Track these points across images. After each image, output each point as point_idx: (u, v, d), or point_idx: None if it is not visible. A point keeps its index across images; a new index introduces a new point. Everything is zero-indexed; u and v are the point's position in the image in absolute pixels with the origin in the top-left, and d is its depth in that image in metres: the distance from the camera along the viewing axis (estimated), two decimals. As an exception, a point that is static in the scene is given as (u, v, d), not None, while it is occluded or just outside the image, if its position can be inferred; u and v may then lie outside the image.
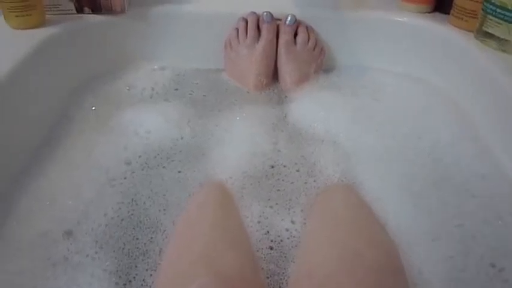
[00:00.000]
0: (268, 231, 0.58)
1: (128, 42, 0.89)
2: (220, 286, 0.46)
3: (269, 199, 0.62)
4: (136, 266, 0.53)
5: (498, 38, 0.72)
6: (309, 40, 0.87)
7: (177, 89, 0.86)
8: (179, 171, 0.66)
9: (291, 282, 0.52)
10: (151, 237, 0.56)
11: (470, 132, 0.73)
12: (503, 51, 0.72)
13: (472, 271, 0.53)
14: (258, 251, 0.55)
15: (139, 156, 0.68)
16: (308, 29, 0.87)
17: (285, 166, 0.68)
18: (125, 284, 0.51)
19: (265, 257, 0.54)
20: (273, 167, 0.68)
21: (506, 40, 0.71)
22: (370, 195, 0.62)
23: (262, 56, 0.85)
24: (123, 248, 0.55)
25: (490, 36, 0.73)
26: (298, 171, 0.68)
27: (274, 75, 0.88)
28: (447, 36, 0.81)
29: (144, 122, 0.74)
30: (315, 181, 0.66)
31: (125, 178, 0.64)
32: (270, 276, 0.53)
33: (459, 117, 0.77)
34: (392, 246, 0.54)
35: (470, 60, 0.76)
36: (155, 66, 0.91)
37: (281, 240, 0.57)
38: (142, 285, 0.51)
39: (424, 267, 0.53)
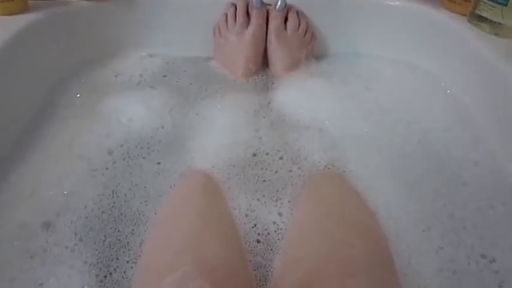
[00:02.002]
0: (255, 225, 0.56)
1: (115, 28, 0.86)
2: (204, 275, 0.44)
3: (256, 191, 0.61)
4: (117, 258, 0.52)
5: (491, 21, 0.70)
6: (299, 26, 0.84)
7: (165, 76, 0.84)
8: (158, 163, 0.64)
9: (276, 273, 0.51)
10: (133, 229, 0.55)
11: (462, 118, 0.72)
12: (496, 34, 0.70)
13: (462, 262, 0.51)
14: (245, 243, 0.54)
15: (121, 146, 0.66)
16: (299, 14, 0.85)
17: (267, 154, 0.67)
18: (105, 276, 0.50)
19: (252, 250, 0.53)
20: (255, 155, 0.66)
21: (500, 23, 0.69)
22: (359, 184, 0.61)
23: (252, 43, 0.83)
24: (104, 240, 0.54)
25: (483, 19, 0.71)
26: (281, 158, 0.66)
27: (263, 61, 0.86)
28: (440, 20, 0.79)
29: (127, 110, 0.72)
30: (299, 168, 0.64)
31: (107, 169, 0.62)
32: (257, 268, 0.51)
33: (451, 103, 0.75)
34: (382, 235, 0.53)
35: (463, 44, 0.74)
36: (144, 54, 0.89)
37: (268, 233, 0.55)
38: (123, 277, 0.50)
39: (414, 258, 0.52)
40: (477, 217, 0.56)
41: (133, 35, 0.88)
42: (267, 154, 0.67)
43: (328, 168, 0.64)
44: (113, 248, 0.53)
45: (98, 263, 0.51)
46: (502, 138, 0.64)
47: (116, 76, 0.83)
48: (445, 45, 0.79)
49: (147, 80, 0.82)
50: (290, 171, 0.64)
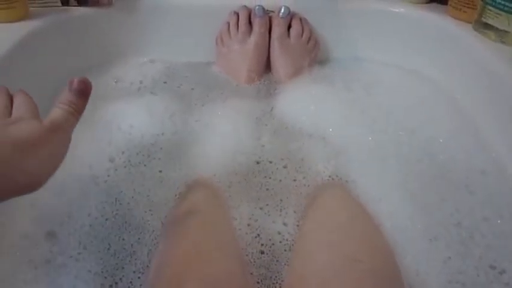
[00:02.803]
0: (258, 235, 0.55)
1: (115, 35, 0.86)
2: None
3: (258, 199, 0.60)
4: (123, 268, 0.51)
5: (497, 29, 0.70)
6: (303, 33, 0.84)
7: (165, 82, 0.83)
8: (160, 171, 0.64)
9: (284, 286, 0.50)
10: (139, 238, 0.54)
11: (468, 127, 0.71)
12: (503, 42, 0.70)
13: (471, 273, 0.51)
14: (247, 255, 0.53)
15: (123, 153, 0.65)
16: (302, 21, 0.85)
17: (270, 162, 0.66)
18: (111, 286, 0.49)
19: (255, 262, 0.52)
20: (258, 163, 0.66)
21: (506, 31, 0.69)
22: (364, 194, 0.60)
23: (254, 52, 0.83)
24: (109, 249, 0.53)
25: (489, 27, 0.71)
26: (285, 167, 0.65)
27: (266, 68, 0.86)
28: (445, 27, 0.79)
29: (127, 116, 0.71)
30: (304, 178, 0.63)
31: (108, 176, 0.62)
32: (261, 280, 0.51)
33: (456, 111, 0.75)
34: (389, 248, 0.52)
35: (468, 52, 0.74)
36: (144, 59, 0.88)
37: (273, 244, 0.54)
38: (129, 287, 0.49)
39: (421, 269, 0.52)
40: (485, 226, 0.56)
41: (133, 40, 0.87)
42: (271, 162, 0.66)
43: (333, 179, 0.63)
44: (118, 257, 0.52)
45: (103, 272, 0.50)
46: (508, 146, 0.64)
47: (116, 82, 0.82)
48: (450, 53, 0.79)
49: (147, 86, 0.82)
50: (294, 180, 0.63)
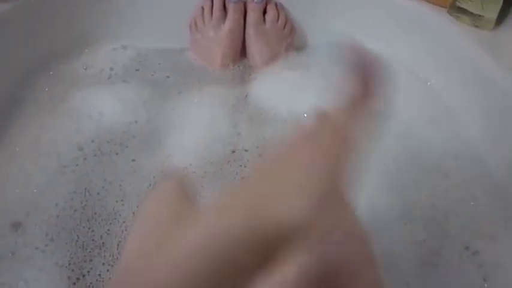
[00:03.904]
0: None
1: (85, 19, 0.82)
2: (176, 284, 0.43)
3: (232, 188, 0.59)
4: (91, 260, 0.50)
5: (471, 13, 0.70)
6: (278, 18, 0.82)
7: (138, 70, 0.81)
8: (133, 160, 0.62)
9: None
10: (108, 229, 0.53)
11: (442, 112, 0.72)
12: (477, 26, 0.70)
13: (445, 254, 0.51)
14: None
15: (92, 141, 0.64)
16: (277, 6, 0.83)
17: (246, 150, 0.65)
18: (78, 279, 0.48)
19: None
20: (233, 151, 0.65)
21: (480, 16, 0.69)
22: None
23: (229, 38, 0.81)
24: (77, 241, 0.51)
25: (463, 11, 0.71)
26: (260, 155, 0.64)
27: (241, 54, 0.84)
28: (420, 12, 0.79)
29: (98, 104, 0.69)
30: (279, 165, 0.62)
31: (77, 165, 0.60)
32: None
33: (431, 96, 0.75)
34: (364, 233, 0.52)
35: (443, 37, 0.74)
36: (116, 45, 0.85)
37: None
38: (97, 280, 0.48)
39: (396, 252, 0.52)
40: (459, 208, 0.56)
41: (104, 25, 0.84)
42: (246, 151, 0.65)
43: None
44: (86, 249, 0.51)
45: (70, 264, 0.49)
46: (482, 130, 0.65)
47: (85, 69, 0.79)
48: (425, 38, 0.78)
49: (118, 73, 0.79)
50: (269, 168, 0.62)
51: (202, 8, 0.82)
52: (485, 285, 0.49)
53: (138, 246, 0.48)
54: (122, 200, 0.56)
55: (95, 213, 0.54)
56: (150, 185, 0.59)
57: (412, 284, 0.49)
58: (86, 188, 0.57)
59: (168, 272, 0.44)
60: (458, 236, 0.53)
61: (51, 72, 0.77)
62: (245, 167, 0.63)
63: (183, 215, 0.54)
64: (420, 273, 0.50)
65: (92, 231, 0.52)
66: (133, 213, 0.55)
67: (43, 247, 0.50)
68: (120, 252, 0.50)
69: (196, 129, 0.68)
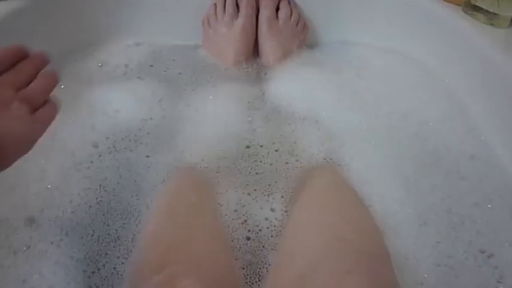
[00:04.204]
0: (245, 220, 0.54)
1: (100, 16, 0.83)
2: (193, 274, 0.43)
3: (247, 184, 0.59)
4: (106, 254, 0.50)
5: (486, 11, 0.69)
6: (291, 15, 0.82)
7: (152, 66, 0.81)
8: (147, 156, 0.62)
9: (271, 270, 0.49)
10: (123, 223, 0.53)
11: (458, 110, 0.71)
12: (492, 24, 0.69)
13: (460, 257, 0.51)
14: (233, 241, 0.52)
15: (107, 138, 0.64)
16: (290, 3, 0.83)
17: (261, 146, 0.65)
18: (93, 272, 0.48)
19: (241, 247, 0.51)
20: (248, 147, 0.64)
21: (495, 13, 0.68)
22: (355, 177, 0.60)
23: (241, 35, 0.80)
24: (92, 235, 0.52)
25: (478, 9, 0.70)
26: (277, 151, 0.64)
27: (254, 51, 0.84)
28: (434, 9, 0.78)
29: (113, 101, 0.69)
30: (297, 160, 0.62)
31: (92, 162, 0.60)
32: (246, 266, 0.50)
33: (447, 95, 0.74)
34: (378, 231, 0.52)
35: (457, 34, 0.73)
36: (130, 42, 0.86)
37: (259, 230, 0.53)
38: (112, 273, 0.48)
39: (411, 253, 0.51)
40: (475, 211, 0.56)
41: (118, 22, 0.85)
42: (261, 146, 0.65)
43: (327, 162, 0.62)
44: (101, 243, 0.51)
45: (85, 258, 0.49)
46: (497, 129, 0.64)
47: (100, 66, 0.79)
48: (440, 36, 0.77)
49: (133, 70, 0.79)
50: (287, 163, 0.62)
51: (215, 5, 0.82)
52: (500, 287, 0.48)
53: (154, 237, 0.49)
54: (136, 195, 0.56)
55: (110, 207, 0.54)
56: (164, 180, 0.59)
57: (425, 284, 0.49)
58: (100, 185, 0.57)
59: (184, 262, 0.45)
60: (473, 239, 0.52)
61: (66, 70, 0.77)
62: (260, 162, 0.62)
63: (199, 207, 0.55)
64: (434, 274, 0.49)
65: (108, 225, 0.53)
66: (147, 207, 0.55)
67: (58, 241, 0.50)
68: (135, 246, 0.51)
69: (211, 125, 0.68)
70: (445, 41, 0.77)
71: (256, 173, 0.61)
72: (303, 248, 0.48)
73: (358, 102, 0.72)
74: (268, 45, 0.82)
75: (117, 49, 0.83)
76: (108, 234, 0.52)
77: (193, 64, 0.82)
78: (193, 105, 0.71)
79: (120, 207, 0.55)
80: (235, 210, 0.55)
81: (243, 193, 0.58)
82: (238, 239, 0.52)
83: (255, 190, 0.58)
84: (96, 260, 0.49)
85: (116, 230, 0.52)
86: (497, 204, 0.56)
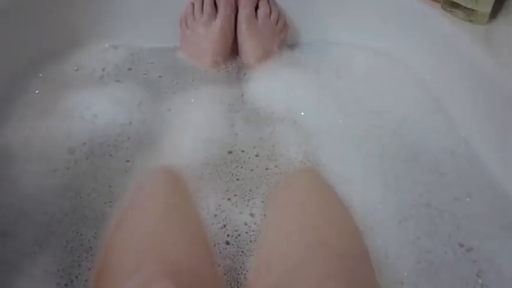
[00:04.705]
0: (225, 225, 0.54)
1: (76, 19, 0.81)
2: (169, 276, 0.42)
3: (227, 190, 0.58)
4: (79, 265, 0.49)
5: (465, 7, 0.68)
6: (271, 14, 0.81)
7: (130, 69, 0.80)
8: (127, 161, 0.61)
9: (250, 275, 0.49)
10: (95, 233, 0.52)
11: (437, 108, 0.71)
12: (471, 21, 0.69)
13: (439, 252, 0.51)
14: (214, 246, 0.51)
15: (84, 144, 0.63)
16: (269, 1, 0.82)
17: (243, 151, 0.64)
18: (66, 285, 0.47)
19: (221, 252, 0.51)
20: (230, 152, 0.64)
21: (473, 10, 0.68)
22: (335, 178, 0.59)
23: (220, 35, 0.79)
24: (66, 246, 0.50)
25: (456, 6, 0.70)
26: (257, 156, 0.64)
27: (233, 52, 0.83)
28: (414, 7, 0.77)
29: (90, 106, 0.68)
30: (276, 166, 0.62)
31: (68, 169, 0.59)
32: (227, 272, 0.49)
33: (426, 92, 0.74)
34: (357, 231, 0.51)
35: (436, 32, 0.73)
36: (107, 45, 0.84)
37: (238, 235, 0.53)
38: (84, 285, 0.47)
39: (391, 251, 0.51)
40: (454, 205, 0.56)
41: (94, 25, 0.83)
42: (243, 151, 0.64)
43: (304, 164, 0.62)
44: (75, 254, 0.50)
45: (59, 270, 0.48)
46: (476, 125, 0.64)
47: (76, 70, 0.78)
48: (419, 33, 0.77)
49: (110, 73, 0.78)
50: (266, 169, 0.62)
51: (193, 4, 0.81)
52: (479, 281, 0.48)
53: (128, 239, 0.48)
54: (110, 202, 0.55)
55: (84, 216, 0.53)
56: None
57: (406, 282, 0.48)
58: (76, 192, 0.56)
59: (160, 264, 0.43)
60: (453, 233, 0.52)
61: (41, 74, 0.76)
62: (241, 167, 0.62)
63: (178, 208, 0.54)
64: (414, 272, 0.49)
65: (81, 235, 0.51)
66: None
67: (31, 254, 0.49)
68: (105, 246, 0.49)
69: (193, 129, 0.67)
70: (424, 38, 0.76)
71: (237, 179, 0.60)
72: (281, 253, 0.47)
73: (338, 102, 0.71)
74: (248, 45, 0.81)
75: (93, 52, 0.81)
76: (81, 244, 0.51)
77: (173, 67, 0.81)
78: (175, 109, 0.70)
79: (93, 215, 0.54)
80: (215, 215, 0.54)
81: (223, 198, 0.57)
82: (218, 243, 0.51)
83: (235, 195, 0.58)
84: (70, 272, 0.48)
85: (89, 240, 0.51)
86: (476, 198, 0.56)
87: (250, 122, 0.69)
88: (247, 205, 0.56)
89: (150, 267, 0.42)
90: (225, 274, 0.49)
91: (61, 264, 0.48)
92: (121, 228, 0.50)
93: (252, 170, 0.61)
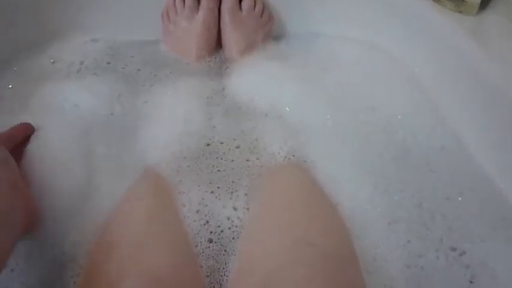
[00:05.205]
0: (207, 221, 0.51)
1: (53, 10, 0.77)
2: (151, 285, 0.41)
3: (210, 182, 0.56)
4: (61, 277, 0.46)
5: (454, -2, 0.67)
6: (255, 5, 0.78)
7: (109, 63, 0.77)
8: (103, 157, 0.58)
9: (231, 278, 0.46)
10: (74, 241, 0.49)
11: (427, 102, 0.68)
12: (460, 12, 0.67)
13: (430, 256, 0.49)
14: (196, 245, 0.49)
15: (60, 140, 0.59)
16: (254, -7, 0.79)
17: (222, 143, 0.62)
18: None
19: (204, 252, 0.49)
20: (208, 144, 0.62)
21: (463, 1, 0.66)
22: (321, 175, 0.57)
23: (203, 28, 0.77)
24: (46, 255, 0.47)
25: (446, -4, 0.68)
26: (238, 147, 0.62)
27: (217, 44, 0.80)
28: (402, -2, 0.75)
29: (66, 100, 0.65)
30: (257, 159, 0.60)
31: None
32: (210, 273, 0.47)
33: (415, 86, 0.72)
34: (344, 231, 0.50)
35: (425, 23, 0.70)
36: (86, 38, 0.81)
37: (222, 231, 0.51)
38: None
39: (380, 254, 0.49)
40: (446, 206, 0.54)
41: (73, 17, 0.79)
42: (222, 143, 0.62)
43: (289, 159, 0.59)
44: (55, 265, 0.47)
45: (40, 284, 0.46)
46: (466, 120, 0.62)
47: (53, 63, 0.75)
48: (407, 25, 0.75)
49: (88, 67, 0.75)
50: (247, 160, 0.60)
51: (174, -3, 0.78)
52: (472, 287, 0.46)
53: (110, 248, 0.45)
54: (89, 199, 0.53)
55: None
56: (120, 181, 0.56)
57: (395, 286, 0.46)
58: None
59: (141, 277, 0.41)
60: (444, 236, 0.50)
61: (15, 68, 0.73)
62: (221, 159, 0.60)
63: (159, 214, 0.51)
64: (404, 276, 0.47)
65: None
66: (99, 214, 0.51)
67: (11, 266, 0.46)
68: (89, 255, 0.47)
69: (170, 123, 0.65)
70: (414, 30, 0.74)
71: (218, 170, 0.58)
72: (264, 253, 0.45)
73: (325, 96, 0.69)
74: (231, 38, 0.78)
75: (72, 45, 0.78)
76: (63, 252, 0.48)
77: (154, 60, 0.78)
78: (152, 102, 0.68)
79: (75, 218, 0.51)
80: (198, 211, 0.52)
81: (206, 192, 0.55)
82: (200, 242, 0.49)
83: (218, 188, 0.56)
84: (51, 286, 0.46)
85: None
86: (468, 197, 0.54)
87: (230, 115, 0.67)
88: (231, 198, 0.54)
89: (131, 279, 0.41)
90: (207, 276, 0.46)
91: (40, 277, 0.46)
92: (105, 237, 0.48)
93: (232, 161, 0.60)
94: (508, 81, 0.55)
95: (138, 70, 0.76)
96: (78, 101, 0.66)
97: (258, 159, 0.60)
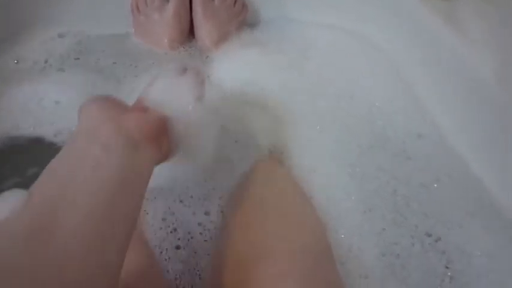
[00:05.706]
0: (175, 229, 0.49)
1: (15, 5, 0.75)
2: None
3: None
4: None
5: (438, -15, 0.65)
6: (228, -6, 0.76)
7: (78, 59, 0.74)
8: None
9: (205, 277, 0.45)
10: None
11: (405, 89, 0.67)
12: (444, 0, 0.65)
13: (406, 243, 0.48)
14: (162, 252, 0.47)
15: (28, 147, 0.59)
16: (226, -19, 0.77)
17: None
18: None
19: (170, 259, 0.47)
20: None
21: (439, -16, 0.64)
22: (298, 165, 0.56)
23: (174, 20, 0.74)
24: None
25: (428, -17, 0.66)
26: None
27: (190, 35, 0.78)
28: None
29: (33, 101, 0.63)
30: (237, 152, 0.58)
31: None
32: (180, 276, 0.45)
33: (395, 74, 0.70)
34: (319, 225, 0.48)
35: (408, 10, 0.69)
36: (52, 34, 0.78)
37: (191, 237, 0.48)
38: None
39: (355, 243, 0.48)
40: (421, 192, 0.53)
41: (38, 12, 0.77)
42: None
43: (270, 150, 0.58)
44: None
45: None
46: (444, 107, 0.61)
47: (17, 63, 0.72)
48: (389, 11, 0.73)
49: (53, 65, 0.72)
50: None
51: (143, -12, 0.75)
52: (448, 273, 0.45)
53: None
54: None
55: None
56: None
57: (370, 277, 0.45)
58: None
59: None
60: (420, 222, 0.49)
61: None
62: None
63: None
64: (379, 265, 0.46)
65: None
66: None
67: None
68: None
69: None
70: (394, 17, 0.72)
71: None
72: (238, 251, 0.44)
73: (303, 85, 0.67)
74: (204, 29, 0.76)
75: (37, 42, 0.75)
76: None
77: (128, 53, 0.76)
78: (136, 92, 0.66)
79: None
80: (164, 219, 0.50)
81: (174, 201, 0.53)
82: (167, 249, 0.47)
83: (191, 197, 0.53)
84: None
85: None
86: (445, 183, 0.53)
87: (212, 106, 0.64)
88: (202, 205, 0.52)
89: None
90: (176, 279, 0.45)
91: None
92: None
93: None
94: (487, 69, 0.54)
95: (114, 63, 0.73)
96: (42, 103, 0.64)
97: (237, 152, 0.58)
